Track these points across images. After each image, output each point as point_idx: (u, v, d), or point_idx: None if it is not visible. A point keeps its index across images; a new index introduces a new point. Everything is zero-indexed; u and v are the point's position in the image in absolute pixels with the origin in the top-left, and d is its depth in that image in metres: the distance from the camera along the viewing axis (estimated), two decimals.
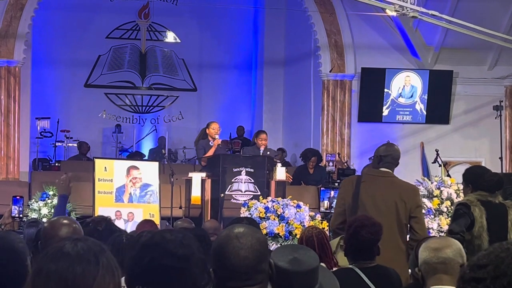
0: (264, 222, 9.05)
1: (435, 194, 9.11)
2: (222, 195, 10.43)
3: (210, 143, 11.00)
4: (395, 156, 5.63)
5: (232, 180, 10.47)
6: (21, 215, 6.42)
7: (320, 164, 13.59)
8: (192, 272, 2.75)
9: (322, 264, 3.61)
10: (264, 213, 9.25)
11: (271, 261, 2.64)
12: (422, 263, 3.31)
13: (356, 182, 5.53)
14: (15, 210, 6.32)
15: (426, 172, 13.78)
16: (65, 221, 4.02)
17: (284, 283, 2.80)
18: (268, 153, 11.26)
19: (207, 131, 11.16)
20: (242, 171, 10.49)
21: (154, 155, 16.10)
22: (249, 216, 8.81)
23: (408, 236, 5.42)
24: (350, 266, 4.27)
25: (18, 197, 6.42)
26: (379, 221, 4.87)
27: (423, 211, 7.74)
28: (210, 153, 10.91)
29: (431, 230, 8.90)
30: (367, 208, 5.34)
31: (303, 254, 2.94)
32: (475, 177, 5.60)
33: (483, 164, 14.89)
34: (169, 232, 2.91)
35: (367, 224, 4.35)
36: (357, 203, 5.41)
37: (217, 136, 11.08)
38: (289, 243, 8.72)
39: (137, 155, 15.43)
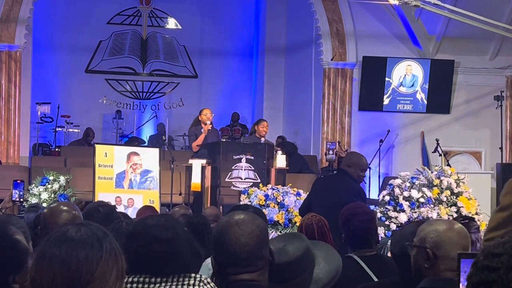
0: (264, 209, 9.06)
1: (435, 184, 9.08)
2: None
3: (202, 130, 11.04)
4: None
5: (232, 167, 10.47)
6: (21, 199, 6.42)
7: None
8: (181, 253, 2.76)
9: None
10: (264, 200, 9.26)
11: (271, 247, 2.64)
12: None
13: None
14: (15, 194, 6.31)
15: (426, 162, 13.77)
16: (64, 208, 4.03)
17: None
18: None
19: (200, 118, 11.23)
20: (242, 158, 10.49)
21: (155, 142, 16.11)
22: (249, 203, 8.83)
23: None
24: (349, 254, 4.27)
25: (19, 181, 6.40)
26: None
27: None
28: (200, 139, 10.95)
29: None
30: None
31: (288, 245, 2.75)
32: None
33: (483, 155, 14.95)
34: (151, 218, 2.93)
35: (358, 213, 4.31)
36: None
37: (208, 122, 11.10)
38: (289, 231, 8.73)
39: (136, 141, 15.44)
